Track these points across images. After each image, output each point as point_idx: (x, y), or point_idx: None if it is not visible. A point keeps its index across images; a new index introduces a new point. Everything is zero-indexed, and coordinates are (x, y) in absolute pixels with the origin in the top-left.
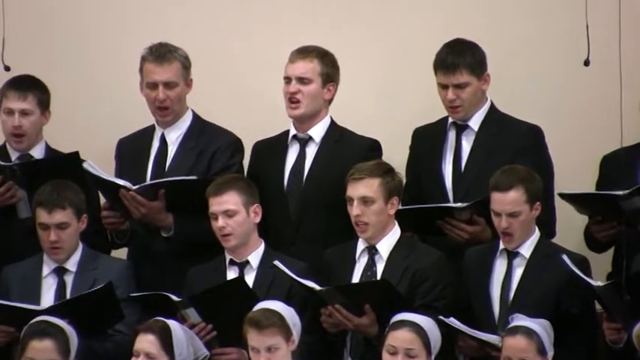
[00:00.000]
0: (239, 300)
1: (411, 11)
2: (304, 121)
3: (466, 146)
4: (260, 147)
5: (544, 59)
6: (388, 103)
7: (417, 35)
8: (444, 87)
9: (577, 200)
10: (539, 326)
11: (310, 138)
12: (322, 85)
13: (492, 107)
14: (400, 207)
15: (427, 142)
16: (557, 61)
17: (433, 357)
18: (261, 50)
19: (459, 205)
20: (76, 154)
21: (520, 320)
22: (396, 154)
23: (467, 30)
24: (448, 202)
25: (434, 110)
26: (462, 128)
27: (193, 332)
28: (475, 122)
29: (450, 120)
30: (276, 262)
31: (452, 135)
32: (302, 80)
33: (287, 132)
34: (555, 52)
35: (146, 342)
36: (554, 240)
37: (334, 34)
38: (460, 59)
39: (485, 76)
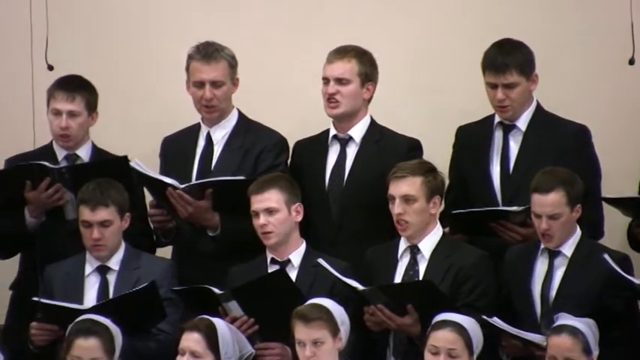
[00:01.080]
0: (281, 293)
1: (455, 9)
2: (343, 121)
3: (514, 146)
4: (301, 146)
5: (589, 59)
6: (428, 101)
7: (461, 33)
8: (492, 86)
9: (619, 204)
10: (585, 325)
11: (350, 138)
12: (361, 85)
13: (539, 107)
14: (456, 211)
15: (472, 141)
16: (602, 60)
17: (475, 357)
18: (303, 49)
19: (515, 208)
20: (125, 157)
21: (565, 319)
22: (436, 154)
23: (513, 30)
24: (496, 202)
25: (475, 109)
26: (509, 128)
27: (235, 326)
28: (523, 122)
29: (497, 120)
30: (320, 260)
31: (499, 135)
32: (340, 81)
33: (327, 131)
34: (600, 52)
35: (192, 340)
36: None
37: (374, 30)
38: (510, 59)
39: (534, 76)
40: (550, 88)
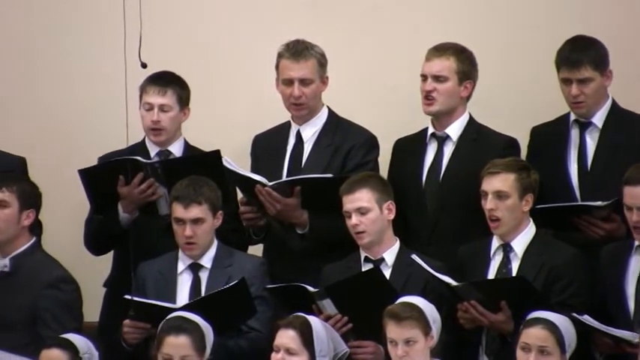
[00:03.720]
0: (375, 291)
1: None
2: (441, 119)
3: (591, 144)
4: (400, 145)
5: None
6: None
7: (538, 30)
8: (567, 82)
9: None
10: None
11: (448, 136)
12: (459, 83)
13: (615, 104)
14: (539, 206)
15: (548, 140)
16: None
17: (568, 355)
18: (396, 47)
19: (599, 203)
20: (217, 152)
21: None
22: None
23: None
24: (575, 200)
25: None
26: (585, 125)
27: (329, 324)
28: (599, 119)
29: (572, 117)
30: (414, 256)
31: (575, 133)
32: (438, 78)
33: (425, 130)
34: None
35: (287, 337)
36: None
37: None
38: (584, 55)
39: (608, 72)
40: (622, 85)
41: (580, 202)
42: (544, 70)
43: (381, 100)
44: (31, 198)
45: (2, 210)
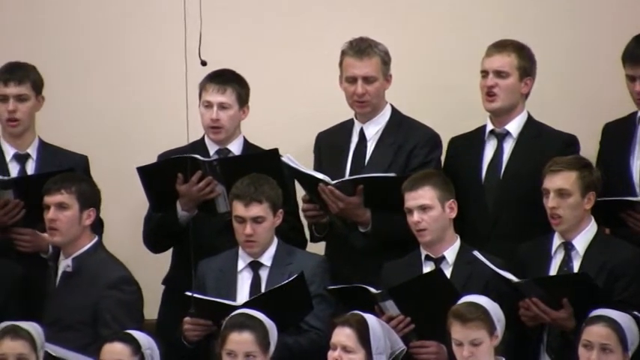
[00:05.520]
0: (438, 293)
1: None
2: (501, 115)
3: None
4: (457, 142)
5: None
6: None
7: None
8: (632, 79)
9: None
10: None
11: (508, 133)
12: (519, 79)
13: None
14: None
15: (616, 137)
16: None
17: (630, 354)
18: (457, 44)
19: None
20: (276, 150)
21: None
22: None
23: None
24: (635, 195)
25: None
26: None
27: (391, 325)
28: None
29: (639, 114)
30: (475, 252)
31: None
32: (499, 74)
33: (483, 127)
34: None
35: (343, 335)
36: None
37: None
38: None
39: None
40: None
41: (626, 198)
42: (610, 67)
43: (437, 99)
44: (91, 197)
45: (63, 212)
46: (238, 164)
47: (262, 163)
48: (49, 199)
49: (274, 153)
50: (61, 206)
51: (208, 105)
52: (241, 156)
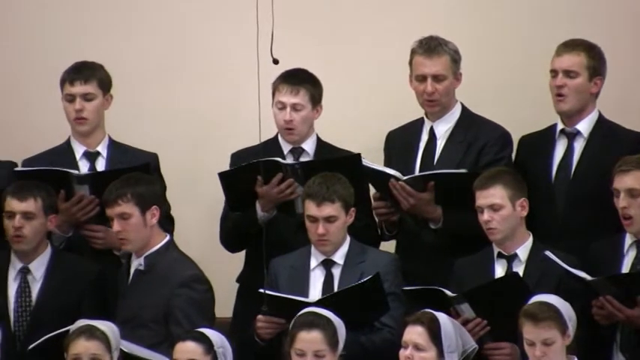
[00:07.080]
0: (513, 295)
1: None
2: (571, 115)
3: None
4: (526, 141)
5: None
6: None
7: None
8: None
9: None
10: None
11: (578, 132)
12: (589, 79)
13: None
14: None
15: None
16: None
17: None
18: (528, 43)
19: None
20: (358, 155)
21: None
22: None
23: None
24: None
25: None
26: None
27: (468, 328)
28: None
29: None
30: (547, 252)
31: None
32: (568, 73)
33: (554, 126)
34: None
35: (415, 333)
36: None
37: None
38: None
39: None
40: None
41: None
42: None
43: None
44: (150, 196)
45: (127, 221)
46: (320, 168)
47: (344, 167)
48: (110, 212)
49: (357, 158)
50: (123, 217)
51: (282, 106)
52: (324, 160)
